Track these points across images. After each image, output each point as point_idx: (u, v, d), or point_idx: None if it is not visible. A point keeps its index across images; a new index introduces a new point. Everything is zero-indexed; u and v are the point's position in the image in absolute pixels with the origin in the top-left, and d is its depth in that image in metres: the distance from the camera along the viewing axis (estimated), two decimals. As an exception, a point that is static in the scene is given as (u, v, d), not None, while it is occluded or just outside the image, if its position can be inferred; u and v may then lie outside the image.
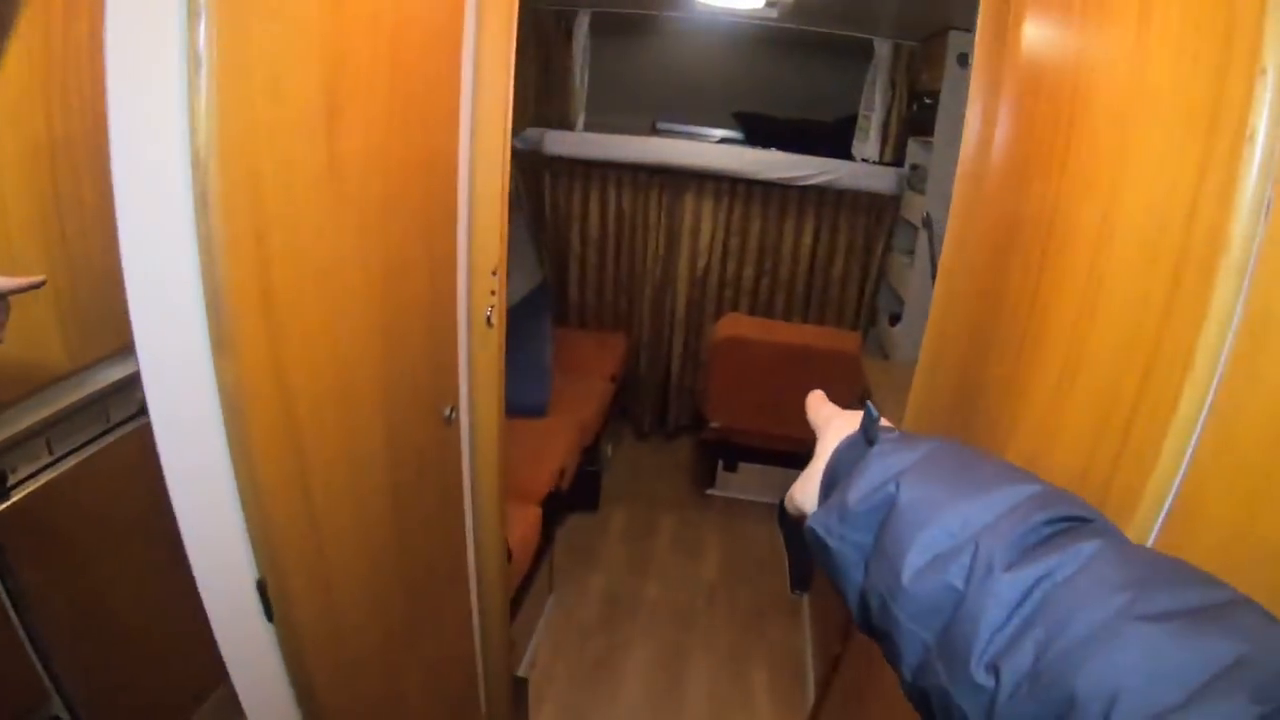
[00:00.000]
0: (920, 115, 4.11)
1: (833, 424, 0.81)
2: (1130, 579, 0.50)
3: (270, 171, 1.12)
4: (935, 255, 3.55)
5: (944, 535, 0.59)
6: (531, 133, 4.66)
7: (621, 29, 4.74)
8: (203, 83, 0.97)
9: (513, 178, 4.22)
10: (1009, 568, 0.54)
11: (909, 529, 0.60)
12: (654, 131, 5.02)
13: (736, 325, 4.46)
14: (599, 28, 4.60)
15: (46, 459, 1.84)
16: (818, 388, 0.93)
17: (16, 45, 1.39)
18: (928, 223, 3.70)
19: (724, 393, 4.39)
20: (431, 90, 1.63)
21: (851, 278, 4.88)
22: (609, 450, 4.88)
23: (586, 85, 4.74)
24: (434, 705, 2.12)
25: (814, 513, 0.70)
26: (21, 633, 1.78)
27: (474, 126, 1.86)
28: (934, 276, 3.45)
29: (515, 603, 2.98)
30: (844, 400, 0.88)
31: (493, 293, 2.00)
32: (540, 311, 4.67)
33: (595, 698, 3.25)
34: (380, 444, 1.59)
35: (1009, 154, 1.47)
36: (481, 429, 2.17)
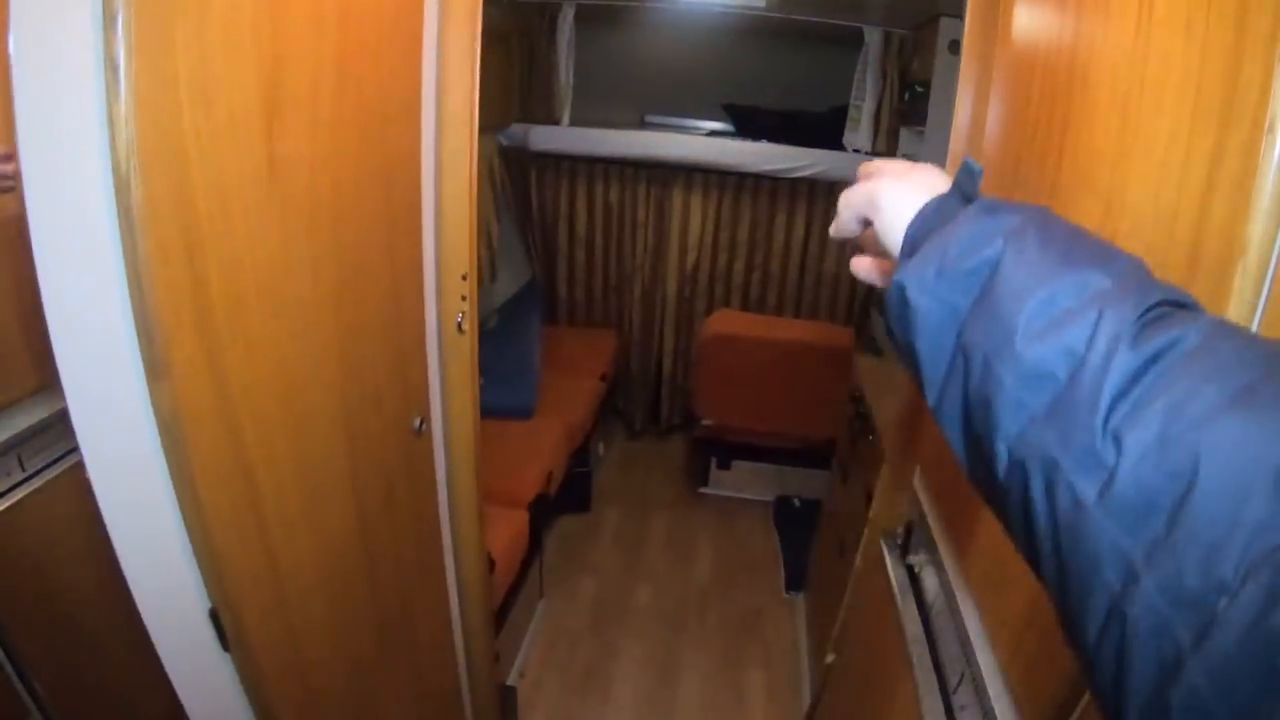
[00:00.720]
0: (912, 104, 4.04)
1: (922, 168, 0.73)
2: (1261, 354, 0.47)
3: (201, 182, 1.04)
4: (929, 246, 3.49)
5: (1063, 298, 0.54)
6: (516, 129, 4.57)
7: (607, 20, 4.67)
8: (122, 91, 0.89)
9: (499, 175, 4.16)
10: (1134, 335, 0.50)
11: (1023, 288, 0.55)
12: (642, 125, 4.94)
13: (727, 322, 4.39)
14: (584, 19, 4.53)
15: (19, 475, 1.83)
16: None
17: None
18: (922, 214, 3.62)
19: (715, 390, 4.33)
20: (387, 88, 1.55)
21: (844, 272, 4.75)
22: (600, 449, 4.82)
23: (572, 79, 4.66)
24: (413, 718, 2.05)
25: (904, 267, 0.64)
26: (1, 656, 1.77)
27: (439, 124, 1.79)
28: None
29: (503, 610, 2.93)
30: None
31: (464, 298, 1.93)
32: (529, 310, 4.62)
33: (586, 704, 3.19)
34: (341, 462, 1.53)
35: (1001, 144, 1.42)
36: (456, 438, 2.10)
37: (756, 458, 4.55)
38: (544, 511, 3.50)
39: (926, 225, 0.66)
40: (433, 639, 2.17)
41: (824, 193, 4.62)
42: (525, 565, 3.25)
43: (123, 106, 0.89)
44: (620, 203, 4.91)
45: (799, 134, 4.53)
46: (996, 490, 0.57)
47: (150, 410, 1.04)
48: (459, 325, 1.94)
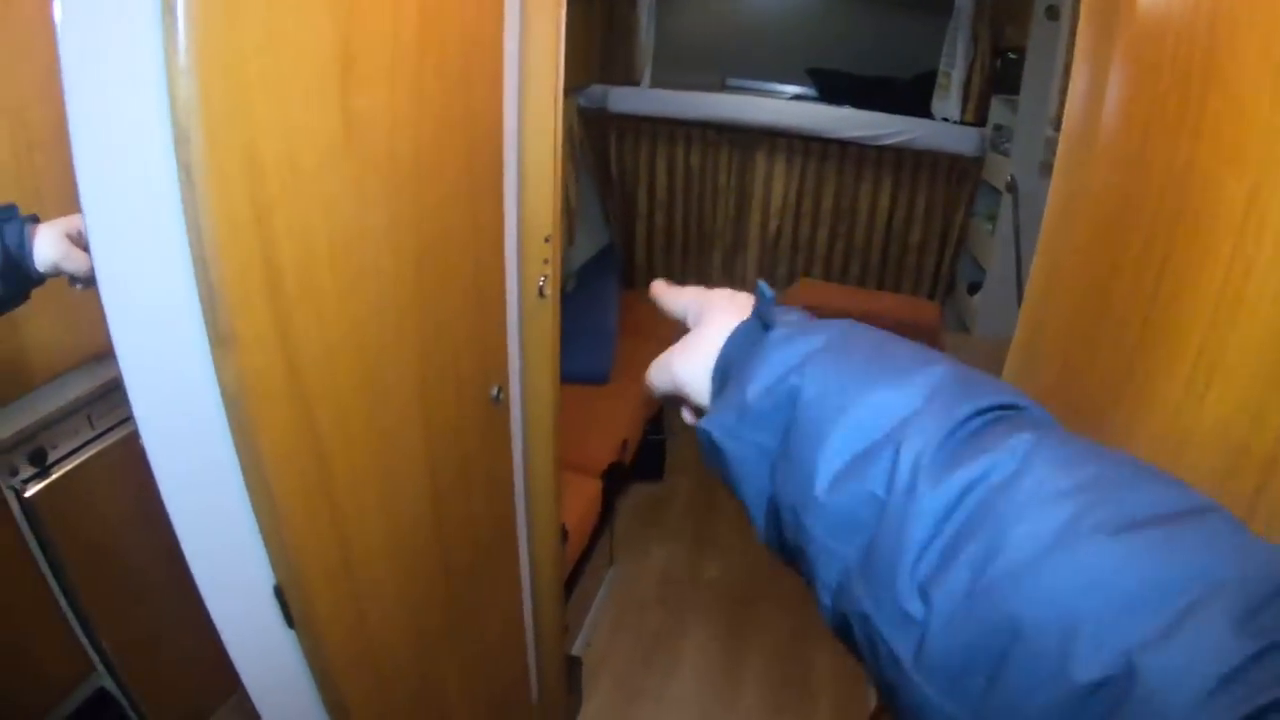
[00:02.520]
0: (1004, 72, 3.88)
1: (711, 308, 0.72)
2: (1078, 481, 0.43)
3: (270, 138, 0.97)
4: (1020, 222, 3.37)
5: (859, 433, 0.50)
6: (595, 90, 4.50)
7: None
8: (180, 37, 0.82)
9: (577, 136, 4.09)
10: (936, 472, 0.46)
11: (819, 426, 0.52)
12: (724, 88, 4.83)
13: (810, 292, 4.29)
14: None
15: (89, 434, 1.82)
16: None
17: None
18: (1012, 187, 3.50)
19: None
20: (470, 44, 1.47)
21: (930, 244, 4.65)
22: (679, 418, 4.74)
23: (653, 40, 4.56)
24: (479, 694, 2.03)
25: (709, 413, 0.61)
26: (66, 607, 1.77)
27: (522, 82, 1.71)
28: (1018, 245, 3.30)
29: (571, 579, 2.90)
30: None
31: (546, 261, 1.86)
32: (606, 274, 4.56)
33: (651, 677, 3.16)
34: (416, 433, 1.47)
35: (1123, 118, 1.31)
36: (534, 407, 2.05)
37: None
38: (618, 480, 3.46)
39: (730, 359, 0.64)
40: (502, 611, 2.13)
41: (910, 161, 4.45)
42: (596, 534, 3.22)
43: (181, 55, 0.83)
44: (701, 167, 4.80)
45: (885, 100, 4.38)
46: (832, 630, 0.55)
47: (215, 383, 0.99)
48: (540, 290, 1.88)
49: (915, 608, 0.44)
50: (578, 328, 3.75)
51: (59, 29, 0.78)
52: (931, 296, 4.71)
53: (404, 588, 1.52)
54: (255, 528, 1.12)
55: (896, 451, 0.48)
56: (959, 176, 4.35)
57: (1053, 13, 3.23)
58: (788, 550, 0.57)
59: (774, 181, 4.73)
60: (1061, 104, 2.74)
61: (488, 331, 1.74)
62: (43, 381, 1.72)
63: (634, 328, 4.35)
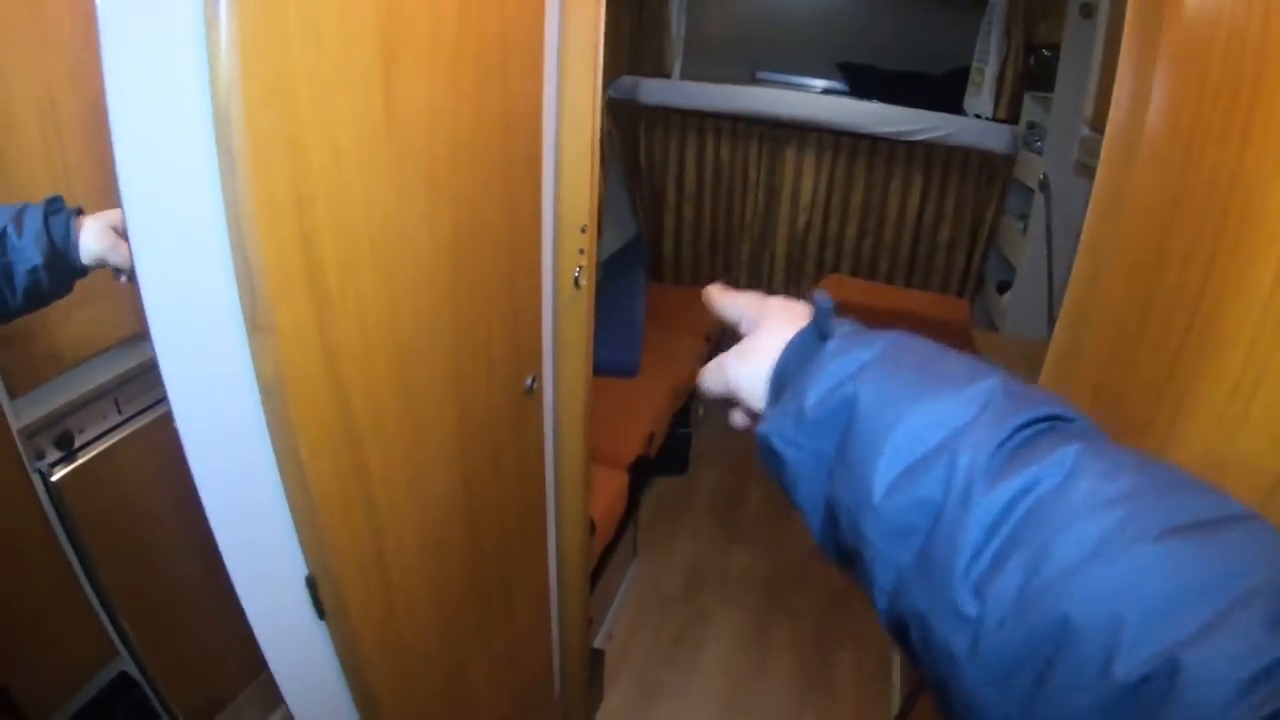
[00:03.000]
0: (1038, 69, 3.82)
1: (767, 316, 0.73)
2: (1123, 490, 0.46)
3: (313, 125, 0.96)
4: (1052, 222, 3.34)
5: (914, 441, 0.52)
6: (625, 81, 4.48)
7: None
8: (223, 20, 0.81)
9: (606, 128, 4.08)
10: (989, 479, 0.48)
11: (876, 434, 0.54)
12: (754, 81, 4.79)
13: (838, 289, 4.25)
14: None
15: (116, 419, 1.83)
16: None
17: None
18: (1045, 185, 3.46)
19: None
20: (510, 31, 1.45)
21: (960, 241, 4.60)
22: (701, 411, 4.74)
23: (684, 32, 4.54)
24: (505, 685, 2.02)
25: (767, 418, 0.63)
26: (90, 591, 1.79)
27: (560, 71, 1.69)
28: (1049, 244, 3.27)
29: (596, 572, 2.89)
30: None
31: (581, 251, 1.85)
32: (633, 267, 4.55)
33: (673, 671, 3.14)
34: (450, 424, 1.46)
35: (1170, 116, 1.28)
36: (567, 398, 2.04)
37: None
38: (644, 473, 3.46)
39: (788, 368, 0.66)
40: (528, 602, 2.12)
41: (941, 158, 4.41)
42: (621, 526, 3.20)
43: (223, 37, 0.81)
44: (731, 160, 4.78)
45: (916, 96, 4.34)
46: (886, 630, 0.56)
47: (252, 371, 0.98)
48: (576, 280, 1.86)
49: (970, 607, 0.46)
50: (605, 319, 3.73)
51: (100, 12, 0.77)
52: (961, 294, 4.67)
53: (434, 579, 1.52)
54: (289, 519, 1.11)
55: (952, 460, 0.49)
56: (990, 174, 4.31)
57: (1088, 10, 3.19)
58: (843, 553, 0.58)
59: (804, 176, 4.70)
60: (1097, 103, 2.71)
61: (522, 321, 1.72)
62: (70, 366, 1.73)
63: (661, 320, 4.34)
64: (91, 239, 1.12)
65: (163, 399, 1.76)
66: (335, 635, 1.25)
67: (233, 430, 1.02)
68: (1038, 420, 0.51)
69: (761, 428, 0.62)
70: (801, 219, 4.79)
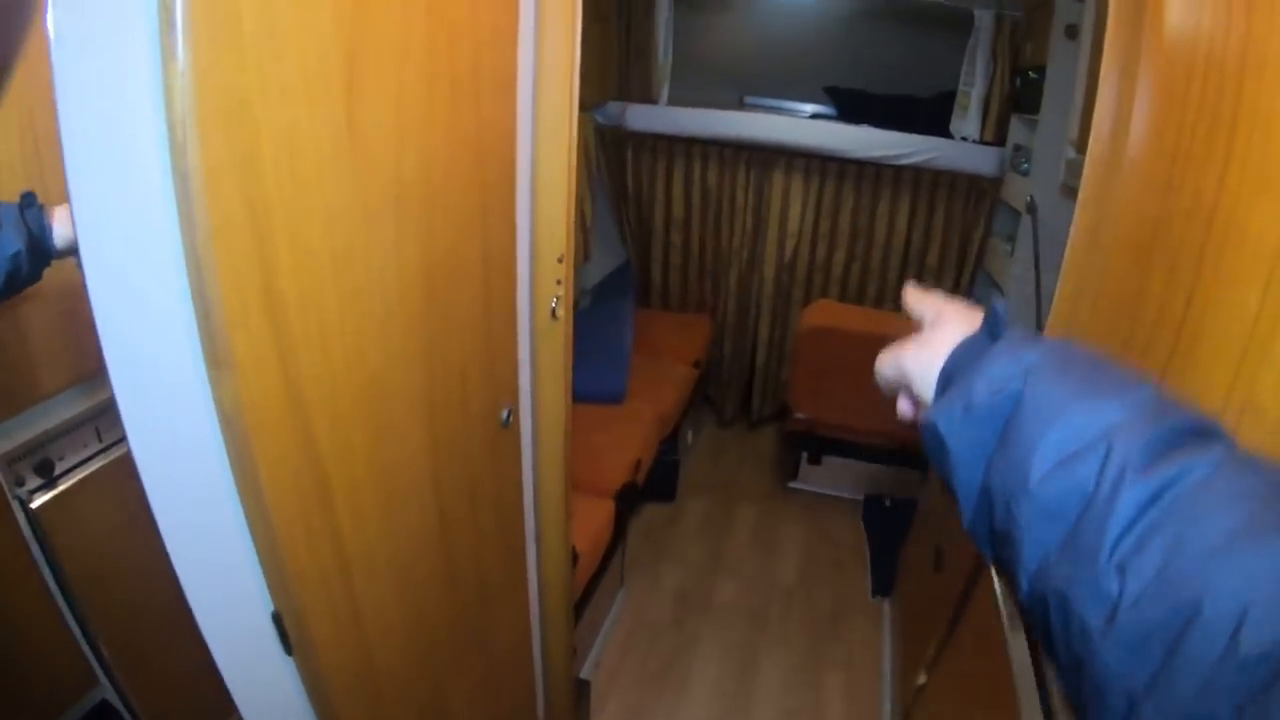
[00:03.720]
0: (1024, 91, 3.83)
1: (947, 316, 0.78)
2: (1260, 486, 0.49)
3: (270, 147, 0.94)
4: (1039, 244, 3.33)
5: (1073, 434, 0.56)
6: (613, 107, 4.48)
7: (707, 0, 4.56)
8: (179, 37, 0.78)
9: (594, 153, 4.08)
10: (1140, 469, 0.52)
11: (1037, 427, 0.58)
12: (741, 106, 4.80)
13: (825, 313, 4.25)
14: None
15: (96, 447, 1.84)
16: None
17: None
18: (1032, 208, 3.46)
19: (811, 383, 4.20)
20: (482, 53, 1.44)
21: (948, 264, 4.61)
22: (689, 437, 4.73)
23: (671, 58, 4.55)
24: (484, 716, 2.00)
25: (935, 407, 0.68)
26: (70, 619, 1.79)
27: (536, 96, 1.68)
28: (1037, 267, 3.26)
29: (582, 600, 2.87)
30: None
31: (559, 282, 1.83)
32: (622, 292, 4.56)
33: (661, 700, 3.13)
34: (422, 456, 1.44)
35: (1151, 144, 1.29)
36: (545, 430, 2.02)
37: (849, 454, 4.42)
38: (630, 500, 3.43)
39: (958, 365, 0.70)
40: (509, 634, 2.10)
41: (929, 182, 4.42)
42: (608, 555, 3.18)
43: (180, 55, 0.79)
44: (718, 186, 4.78)
45: (904, 120, 4.35)
46: (1023, 608, 0.59)
47: (210, 403, 0.95)
48: (553, 311, 1.84)
49: (1112, 584, 0.49)
50: (592, 346, 3.73)
51: (52, 37, 0.75)
52: (949, 319, 4.64)
53: (409, 612, 1.49)
54: (253, 553, 1.09)
55: (1107, 451, 0.53)
56: (977, 196, 4.31)
57: (1072, 31, 3.20)
58: (995, 537, 0.62)
59: (791, 200, 4.70)
60: (1082, 125, 2.71)
61: (498, 352, 1.70)
62: (51, 393, 1.73)
63: (649, 346, 4.33)
64: (66, 225, 1.20)
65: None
66: (303, 670, 1.22)
67: (193, 462, 0.99)
68: (1187, 430, 0.54)
69: (930, 413, 0.67)
70: (789, 244, 4.78)
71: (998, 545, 0.62)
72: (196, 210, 0.84)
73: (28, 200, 1.21)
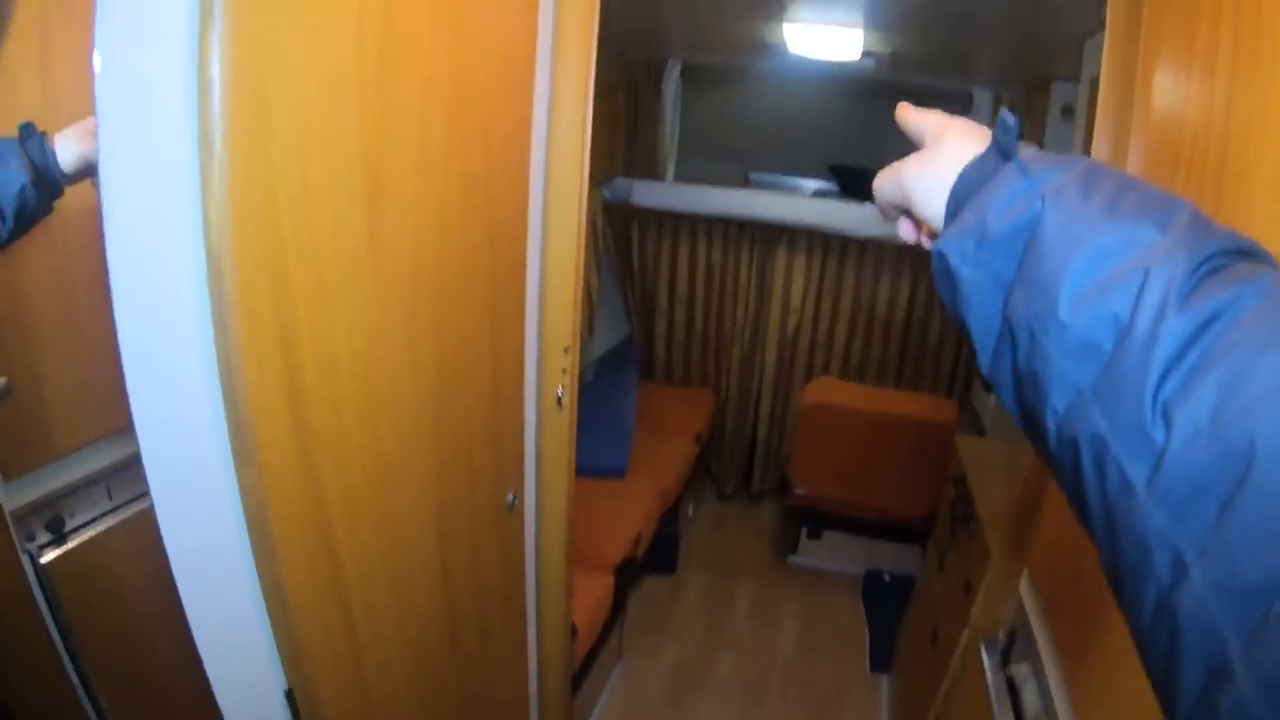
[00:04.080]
0: (1020, 169, 3.89)
1: (953, 132, 0.70)
2: None
3: (297, 261, 1.01)
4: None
5: (1105, 257, 0.50)
6: (620, 183, 4.56)
7: (713, 77, 4.67)
8: (216, 168, 0.86)
9: (600, 229, 4.15)
10: (1184, 297, 0.46)
11: (1062, 253, 0.52)
12: (746, 183, 4.88)
13: (827, 391, 4.30)
14: (690, 75, 4.54)
15: (107, 505, 1.89)
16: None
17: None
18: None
19: (811, 459, 4.23)
20: (495, 155, 1.51)
21: (948, 342, 4.67)
22: (690, 511, 4.74)
23: (678, 135, 4.65)
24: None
25: (944, 235, 0.62)
26: (72, 674, 1.82)
27: (546, 196, 1.75)
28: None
29: (580, 674, 2.87)
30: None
31: (564, 370, 1.89)
32: (626, 366, 4.59)
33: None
34: (430, 539, 1.49)
35: None
36: (548, 513, 2.06)
37: (848, 529, 4.43)
38: (630, 575, 3.44)
39: (967, 188, 0.64)
40: (508, 708, 2.12)
41: (929, 261, 4.44)
42: (606, 628, 3.19)
43: (216, 183, 0.87)
44: (722, 263, 4.85)
45: (905, 197, 4.38)
46: (1050, 461, 0.54)
47: (236, 493, 1.01)
48: (559, 399, 1.90)
49: (1156, 427, 0.45)
50: (596, 419, 3.76)
51: (101, 158, 0.84)
52: (949, 394, 4.71)
53: (413, 690, 1.53)
54: (269, 631, 1.13)
55: (1145, 276, 0.48)
56: None
57: (1068, 111, 3.28)
58: (1018, 379, 0.56)
59: (794, 277, 4.77)
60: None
61: (504, 437, 1.75)
62: (65, 453, 1.79)
63: (652, 420, 4.36)
64: (71, 143, 1.18)
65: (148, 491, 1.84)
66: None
67: (216, 542, 1.05)
68: (1233, 249, 0.49)
69: (939, 243, 0.62)
70: (792, 321, 4.84)
71: (1021, 388, 0.56)
72: (232, 324, 0.91)
73: (26, 132, 1.19)
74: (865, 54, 3.53)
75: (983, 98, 4.12)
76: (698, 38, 4.02)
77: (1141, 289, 0.47)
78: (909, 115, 0.78)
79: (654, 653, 3.75)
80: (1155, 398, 0.45)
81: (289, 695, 1.20)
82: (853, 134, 4.79)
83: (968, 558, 2.42)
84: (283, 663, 1.17)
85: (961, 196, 0.64)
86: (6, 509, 1.72)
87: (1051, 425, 0.52)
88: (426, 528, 1.46)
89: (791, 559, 4.60)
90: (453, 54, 1.30)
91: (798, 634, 4.00)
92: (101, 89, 0.83)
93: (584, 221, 1.81)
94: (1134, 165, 1.39)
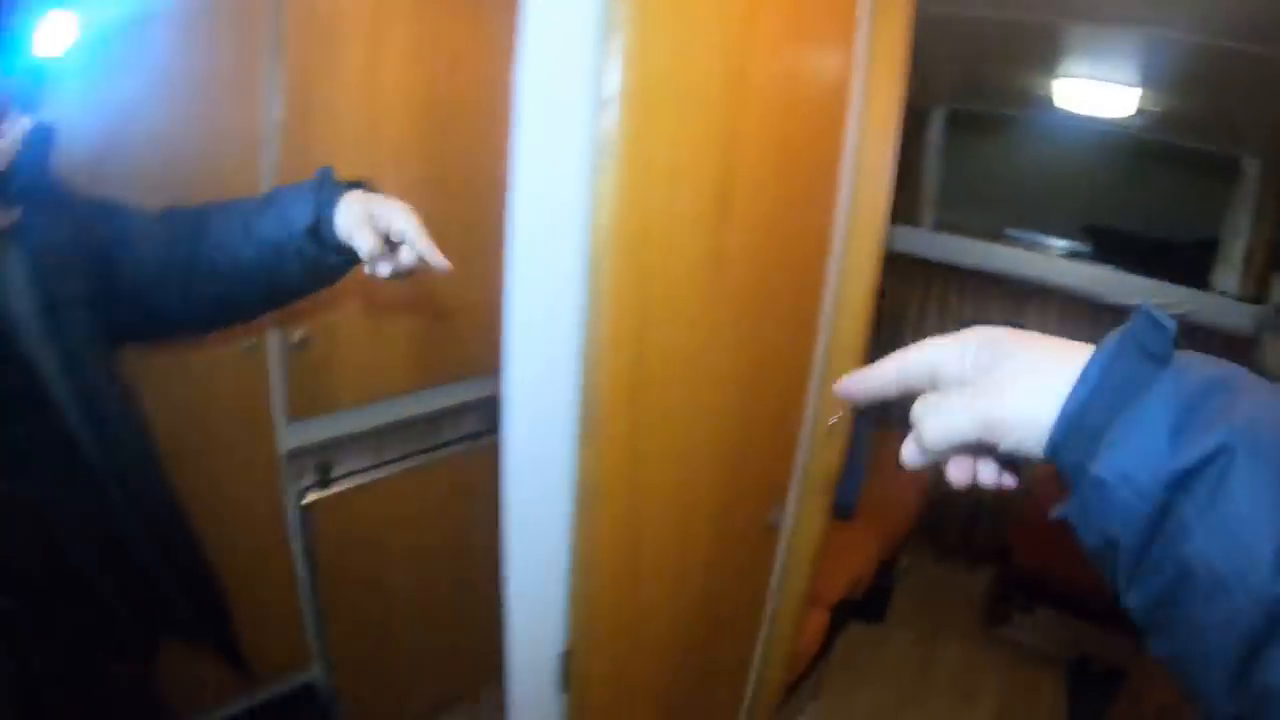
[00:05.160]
0: (1292, 247, 3.60)
1: (1019, 338, 0.56)
2: None
3: (658, 265, 1.10)
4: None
5: None
6: (880, 226, 4.52)
7: (976, 127, 4.57)
8: (608, 168, 0.96)
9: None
10: None
11: (1267, 508, 0.43)
12: (999, 237, 4.79)
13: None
14: (954, 124, 4.48)
15: (371, 460, 2.08)
16: None
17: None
18: (1288, 374, 3.29)
19: (1035, 528, 4.09)
20: (812, 181, 1.56)
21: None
22: (905, 563, 4.67)
23: (939, 183, 4.61)
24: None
25: (1099, 456, 0.49)
26: (305, 603, 2.03)
27: (848, 225, 1.78)
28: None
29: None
30: None
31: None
32: (861, 409, 4.55)
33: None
34: (703, 546, 1.55)
35: None
36: (800, 538, 2.08)
37: (1063, 605, 4.24)
38: (843, 615, 3.44)
39: (1102, 399, 0.50)
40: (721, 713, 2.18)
41: (1184, 335, 4.21)
42: (811, 665, 3.19)
43: (607, 184, 0.97)
44: (973, 316, 4.72)
45: (1159, 264, 4.20)
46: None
47: (575, 472, 1.11)
48: (832, 426, 1.93)
49: None
50: (834, 456, 3.76)
51: (516, 159, 0.94)
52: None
53: (658, 679, 1.59)
54: (565, 598, 1.23)
55: None
56: (1230, 356, 4.06)
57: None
58: (1178, 628, 0.47)
59: (1039, 338, 4.59)
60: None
61: (780, 457, 1.80)
62: (345, 407, 1.98)
63: (881, 467, 4.32)
64: (344, 217, 1.02)
65: (414, 454, 2.12)
66: (571, 705, 1.33)
67: (549, 520, 1.16)
68: None
69: (1098, 471, 0.49)
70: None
71: (1178, 640, 0.47)
72: (602, 319, 1.02)
73: (323, 174, 1.06)
74: (1138, 111, 3.39)
75: (1252, 165, 3.82)
76: (964, 86, 3.99)
77: None
78: (888, 367, 0.62)
79: (849, 699, 3.72)
80: None
81: (564, 657, 1.28)
82: (1110, 192, 4.59)
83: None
84: (569, 626, 1.25)
85: (1091, 410, 0.50)
86: (283, 448, 1.92)
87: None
88: (706, 529, 1.52)
89: (1000, 630, 4.46)
90: (788, 98, 1.37)
91: (994, 711, 3.88)
92: (521, 84, 0.94)
93: (880, 256, 1.84)
94: None
